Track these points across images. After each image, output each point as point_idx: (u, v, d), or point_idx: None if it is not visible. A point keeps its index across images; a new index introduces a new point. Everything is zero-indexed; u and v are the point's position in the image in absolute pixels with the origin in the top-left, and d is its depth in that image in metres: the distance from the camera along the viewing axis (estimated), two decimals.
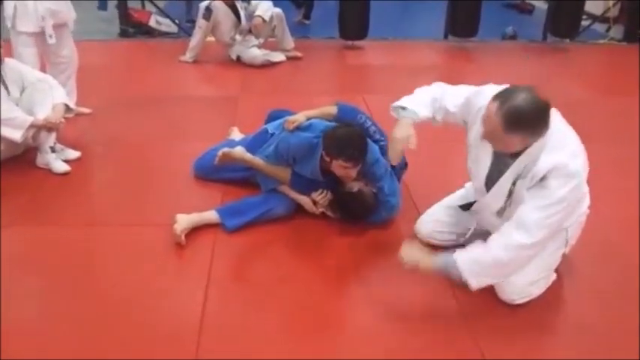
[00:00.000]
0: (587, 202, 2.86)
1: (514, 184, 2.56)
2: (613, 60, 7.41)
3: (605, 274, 3.04)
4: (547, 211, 2.43)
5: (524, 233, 2.45)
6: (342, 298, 2.87)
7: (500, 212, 2.69)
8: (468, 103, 2.75)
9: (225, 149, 3.40)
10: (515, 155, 2.49)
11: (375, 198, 3.27)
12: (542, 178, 2.41)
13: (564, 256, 2.88)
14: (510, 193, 2.59)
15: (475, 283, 2.54)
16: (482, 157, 2.69)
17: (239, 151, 3.43)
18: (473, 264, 2.53)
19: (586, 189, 2.75)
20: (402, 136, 2.83)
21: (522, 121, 2.33)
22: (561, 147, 2.44)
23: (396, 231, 3.36)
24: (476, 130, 2.64)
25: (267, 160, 3.39)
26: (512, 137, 2.37)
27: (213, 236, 3.26)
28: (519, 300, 2.72)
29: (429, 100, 2.90)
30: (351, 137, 3.11)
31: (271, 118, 3.89)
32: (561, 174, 2.39)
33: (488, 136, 2.45)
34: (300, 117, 3.40)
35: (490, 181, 2.69)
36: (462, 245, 2.99)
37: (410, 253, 2.66)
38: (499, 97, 2.37)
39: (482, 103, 2.53)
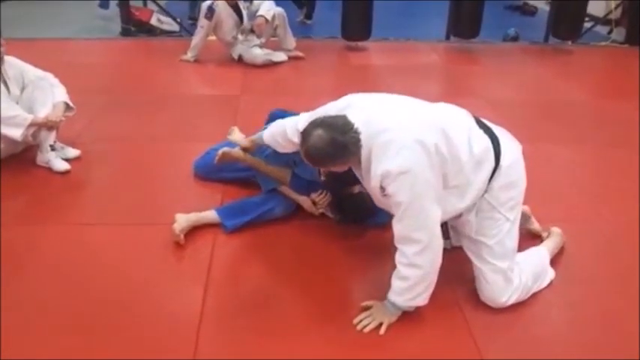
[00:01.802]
0: (485, 171, 2.61)
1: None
2: (614, 62, 7.40)
3: (607, 276, 3.03)
4: (408, 216, 2.46)
5: (410, 243, 2.49)
6: (341, 300, 2.86)
7: None
8: None
9: (226, 149, 3.39)
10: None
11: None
12: (381, 188, 2.45)
13: (562, 249, 2.82)
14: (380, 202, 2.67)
15: (420, 302, 2.61)
16: None
17: (239, 150, 3.42)
18: (404, 295, 2.58)
19: (476, 153, 2.58)
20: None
21: (323, 156, 2.48)
22: (381, 153, 2.43)
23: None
24: None
25: (267, 161, 3.39)
26: (335, 165, 2.57)
27: (212, 236, 3.26)
28: (509, 300, 2.71)
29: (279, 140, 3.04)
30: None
31: (273, 117, 3.87)
32: (391, 179, 2.40)
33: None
34: None
35: None
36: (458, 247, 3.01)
37: (375, 316, 2.65)
38: (303, 138, 2.50)
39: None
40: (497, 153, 2.62)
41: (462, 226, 2.73)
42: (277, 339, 2.56)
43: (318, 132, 2.43)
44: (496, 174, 2.63)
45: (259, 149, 3.46)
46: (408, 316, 2.65)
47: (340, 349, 2.52)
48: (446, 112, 2.71)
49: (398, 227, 2.51)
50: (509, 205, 2.68)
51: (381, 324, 2.60)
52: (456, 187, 2.56)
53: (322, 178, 3.21)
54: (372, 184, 2.48)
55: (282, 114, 3.72)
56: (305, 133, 2.48)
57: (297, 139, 2.76)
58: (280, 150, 3.09)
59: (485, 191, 2.64)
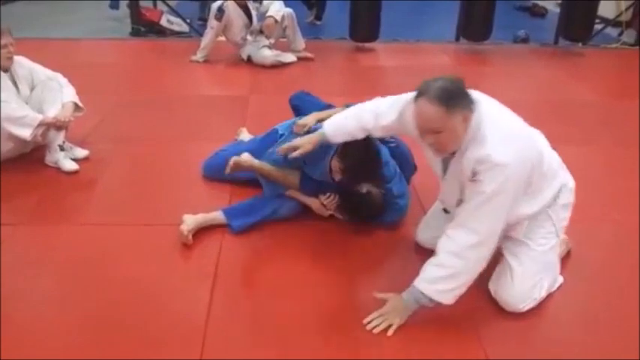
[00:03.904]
0: (556, 185, 2.72)
1: (459, 177, 2.55)
2: (625, 64, 7.35)
3: (616, 277, 3.01)
4: (483, 207, 2.42)
5: (468, 233, 2.45)
6: (348, 300, 2.85)
7: (459, 205, 2.66)
8: (405, 113, 2.74)
9: (235, 158, 3.37)
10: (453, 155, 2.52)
11: (383, 200, 3.25)
12: (473, 172, 2.40)
13: (569, 253, 2.84)
14: (461, 186, 2.57)
15: (448, 299, 2.54)
16: (433, 158, 2.71)
17: (247, 158, 3.40)
18: (436, 284, 2.51)
19: (553, 167, 2.67)
20: (300, 143, 3.02)
21: (454, 94, 2.36)
22: (487, 137, 2.40)
23: (403, 233, 3.34)
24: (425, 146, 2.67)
25: (276, 164, 3.38)
26: (455, 116, 2.35)
27: (220, 237, 3.25)
28: (525, 307, 2.70)
29: (352, 125, 2.96)
30: (363, 161, 3.09)
31: (295, 99, 3.93)
32: (487, 167, 2.36)
33: (434, 130, 2.40)
34: (310, 120, 3.39)
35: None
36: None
37: (391, 312, 2.62)
38: (420, 93, 2.40)
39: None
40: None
41: (511, 229, 2.70)
42: (284, 340, 2.55)
43: (442, 80, 2.39)
44: (562, 191, 2.69)
45: (266, 154, 3.46)
46: (414, 316, 2.64)
47: (347, 349, 2.51)
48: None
49: (464, 213, 2.47)
50: (562, 225, 2.77)
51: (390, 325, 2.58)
52: (528, 195, 2.57)
53: (334, 176, 3.18)
54: (463, 164, 2.43)
55: (306, 97, 3.79)
56: (426, 82, 2.41)
57: (381, 120, 2.85)
58: (346, 139, 3.02)
59: (549, 206, 2.67)
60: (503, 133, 2.42)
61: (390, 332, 2.56)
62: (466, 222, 2.46)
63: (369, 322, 2.60)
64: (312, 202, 3.39)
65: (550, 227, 2.71)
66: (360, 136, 2.96)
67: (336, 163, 3.10)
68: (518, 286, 2.66)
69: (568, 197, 2.76)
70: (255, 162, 3.40)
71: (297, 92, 4.05)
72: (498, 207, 2.43)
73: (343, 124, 2.99)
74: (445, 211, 3.00)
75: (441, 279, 2.50)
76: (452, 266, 2.48)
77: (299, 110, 3.85)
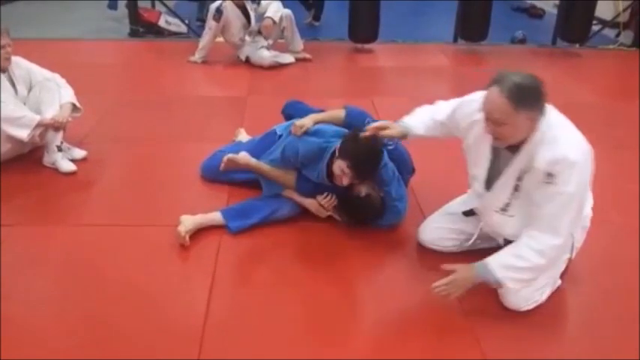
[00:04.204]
0: (590, 204, 2.87)
1: (520, 178, 2.56)
2: (622, 65, 7.36)
3: (612, 278, 3.02)
4: (564, 208, 2.45)
5: (553, 235, 2.48)
6: (346, 301, 2.85)
7: (505, 208, 2.69)
8: (455, 113, 2.81)
9: (230, 155, 3.38)
10: (515, 149, 2.51)
11: (382, 202, 3.25)
12: (548, 174, 2.42)
13: (569, 260, 2.87)
14: (516, 188, 2.59)
15: (514, 285, 2.58)
16: (480, 158, 2.71)
17: (244, 156, 3.41)
18: (509, 270, 2.54)
19: (589, 190, 2.75)
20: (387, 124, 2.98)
21: (527, 94, 2.36)
22: (558, 137, 2.44)
23: (402, 235, 3.35)
24: (473, 133, 2.70)
25: (273, 164, 3.38)
26: (520, 114, 2.37)
27: (218, 237, 3.26)
28: (526, 307, 2.71)
29: (426, 118, 2.99)
30: (369, 154, 3.09)
31: (288, 108, 3.92)
32: (563, 167, 2.39)
33: (497, 122, 2.42)
34: (307, 121, 3.39)
35: (490, 180, 2.71)
36: (467, 249, 3.04)
37: (459, 280, 2.61)
38: (496, 81, 2.39)
39: (474, 106, 2.59)
40: None
41: None
42: (282, 341, 2.55)
43: (520, 76, 2.38)
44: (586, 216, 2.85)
45: (264, 153, 3.46)
46: (412, 317, 2.67)
47: (344, 349, 2.52)
48: None
49: (547, 215, 2.48)
50: (578, 246, 2.89)
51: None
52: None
53: (339, 181, 3.17)
54: (535, 164, 2.44)
55: (298, 105, 3.76)
56: (501, 76, 2.41)
57: (437, 115, 2.94)
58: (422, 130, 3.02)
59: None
60: (572, 135, 2.49)
61: (452, 297, 2.61)
62: (550, 224, 2.49)
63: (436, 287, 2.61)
64: (310, 204, 3.39)
65: (569, 243, 2.73)
66: (433, 126, 2.98)
67: (340, 164, 3.08)
68: (526, 287, 2.67)
69: (586, 222, 2.87)
70: (252, 161, 3.41)
71: (289, 101, 4.04)
72: (576, 207, 2.50)
73: (419, 112, 3.05)
74: (466, 214, 3.02)
75: (518, 269, 2.54)
76: (532, 262, 2.51)
77: (293, 118, 3.83)
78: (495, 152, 2.64)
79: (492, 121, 2.43)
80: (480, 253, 2.78)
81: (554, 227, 2.47)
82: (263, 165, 3.40)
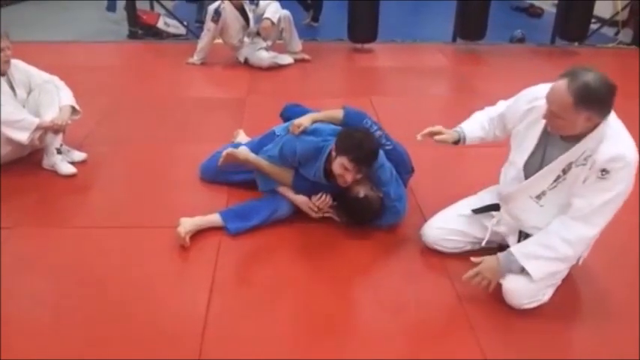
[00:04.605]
0: None
1: (565, 170, 2.58)
2: (622, 63, 7.36)
3: (612, 278, 3.03)
4: (609, 204, 2.50)
5: (589, 226, 2.54)
6: (346, 301, 2.86)
7: (540, 196, 2.71)
8: (519, 98, 2.84)
9: (230, 149, 3.39)
10: (571, 139, 2.53)
11: (381, 203, 3.26)
12: (603, 170, 2.45)
13: (575, 266, 2.87)
14: (558, 178, 2.61)
15: (539, 275, 2.63)
16: (526, 142, 2.73)
17: (243, 151, 3.42)
18: (537, 261, 2.60)
19: None
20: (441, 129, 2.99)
21: (593, 97, 2.37)
22: (619, 136, 2.49)
23: (401, 235, 3.35)
24: (528, 119, 2.72)
25: (271, 161, 3.38)
26: (579, 114, 2.39)
27: (218, 239, 3.26)
28: (528, 305, 2.71)
29: (482, 118, 3.03)
30: (364, 143, 3.09)
31: (286, 111, 3.91)
32: (621, 165, 2.43)
33: (553, 113, 2.45)
34: (305, 121, 3.39)
35: (529, 166, 2.72)
36: (468, 251, 3.03)
37: (487, 270, 2.70)
38: (568, 74, 2.42)
39: (540, 92, 2.60)
40: None
41: None
42: (282, 341, 2.56)
43: (593, 75, 2.38)
44: None
45: (262, 149, 3.47)
46: (411, 317, 2.67)
47: (343, 350, 2.52)
48: None
49: (588, 206, 2.52)
50: (584, 255, 2.85)
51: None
52: None
53: (341, 180, 3.16)
54: (596, 157, 2.46)
55: (296, 108, 3.75)
56: (575, 70, 2.43)
57: (492, 112, 3.01)
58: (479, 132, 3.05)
59: None
60: (629, 138, 2.51)
61: (490, 289, 2.69)
62: (591, 215, 2.52)
63: (468, 278, 2.69)
64: (302, 202, 3.38)
65: (590, 243, 2.74)
66: (489, 123, 3.01)
67: (340, 161, 3.08)
68: (531, 284, 2.67)
69: None
70: (251, 156, 3.41)
71: (286, 105, 4.03)
72: (616, 207, 2.53)
73: (475, 115, 3.09)
74: (478, 211, 3.04)
75: (545, 259, 2.60)
76: (560, 252, 2.57)
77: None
78: (543, 141, 2.67)
79: (551, 111, 2.46)
80: (480, 253, 2.80)
81: (592, 220, 2.52)
82: (262, 161, 3.40)
